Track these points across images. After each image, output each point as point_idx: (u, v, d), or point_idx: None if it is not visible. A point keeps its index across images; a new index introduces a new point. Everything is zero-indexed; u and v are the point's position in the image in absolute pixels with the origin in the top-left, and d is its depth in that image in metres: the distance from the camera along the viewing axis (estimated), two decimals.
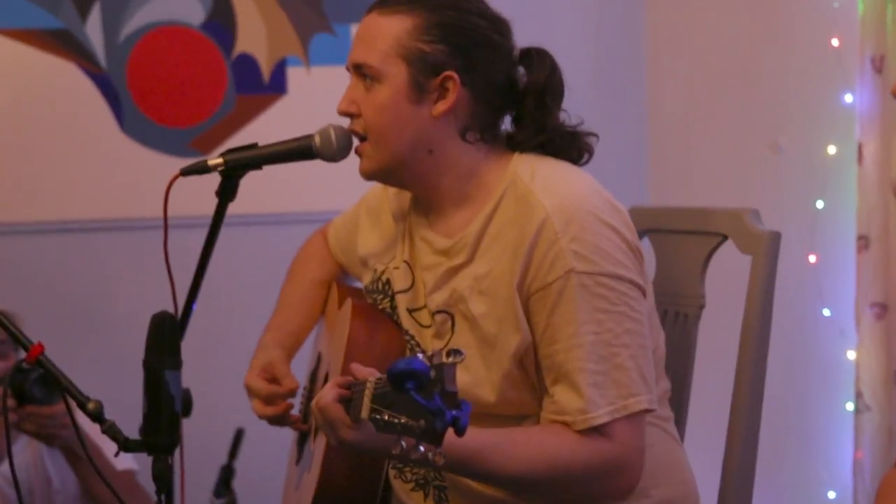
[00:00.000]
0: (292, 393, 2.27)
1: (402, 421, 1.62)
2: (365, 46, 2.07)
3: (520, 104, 2.12)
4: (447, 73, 2.04)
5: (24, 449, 3.09)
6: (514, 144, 2.12)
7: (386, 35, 2.05)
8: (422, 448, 1.60)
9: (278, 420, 2.29)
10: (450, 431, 1.60)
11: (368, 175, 2.12)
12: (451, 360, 1.60)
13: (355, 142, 2.11)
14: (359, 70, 2.08)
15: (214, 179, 2.07)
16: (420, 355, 1.62)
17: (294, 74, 3.89)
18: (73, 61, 3.79)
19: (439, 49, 2.04)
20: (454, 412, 1.58)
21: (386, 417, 1.66)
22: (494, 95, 2.08)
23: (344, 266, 2.45)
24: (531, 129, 2.10)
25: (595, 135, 2.14)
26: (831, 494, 3.47)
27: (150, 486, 1.83)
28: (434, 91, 2.05)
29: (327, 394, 1.91)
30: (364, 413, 1.76)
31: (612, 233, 2.00)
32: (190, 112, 3.87)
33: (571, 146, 2.12)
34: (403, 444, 1.61)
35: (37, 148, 3.82)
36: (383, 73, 2.04)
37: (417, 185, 2.12)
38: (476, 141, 2.09)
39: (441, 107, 2.05)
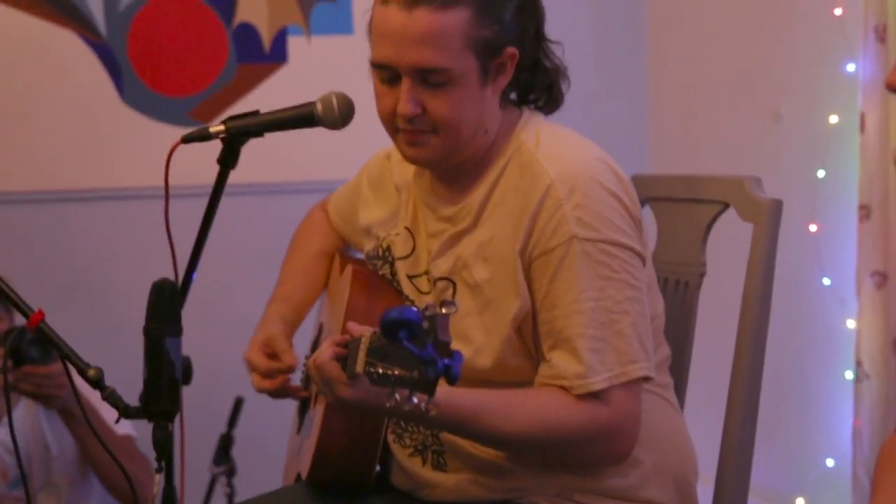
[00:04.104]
0: (291, 370, 2.25)
1: (396, 373, 1.63)
2: (431, 49, 1.95)
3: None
4: (510, 49, 2.00)
5: (23, 416, 3.10)
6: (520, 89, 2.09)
7: (451, 33, 1.95)
8: (415, 399, 1.60)
9: (277, 393, 2.29)
10: (446, 390, 1.59)
11: (426, 163, 2.07)
12: (444, 310, 1.60)
13: (410, 133, 2.02)
14: (426, 74, 1.96)
15: (215, 148, 2.06)
16: (414, 307, 1.61)
17: (295, 43, 3.88)
18: (73, 30, 3.78)
19: (496, 30, 1.98)
20: (446, 360, 1.58)
21: (380, 370, 1.67)
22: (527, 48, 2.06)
23: (345, 237, 2.44)
24: (527, 70, 2.07)
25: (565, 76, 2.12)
26: (830, 462, 3.47)
27: (149, 453, 1.83)
28: (495, 69, 2.01)
29: (324, 352, 1.92)
30: (359, 367, 1.76)
31: (615, 200, 1.99)
32: (190, 81, 3.86)
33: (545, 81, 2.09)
34: (397, 396, 1.61)
35: (37, 117, 3.82)
36: (460, 72, 1.97)
37: (456, 164, 2.08)
38: (505, 105, 2.07)
39: (502, 81, 2.03)
